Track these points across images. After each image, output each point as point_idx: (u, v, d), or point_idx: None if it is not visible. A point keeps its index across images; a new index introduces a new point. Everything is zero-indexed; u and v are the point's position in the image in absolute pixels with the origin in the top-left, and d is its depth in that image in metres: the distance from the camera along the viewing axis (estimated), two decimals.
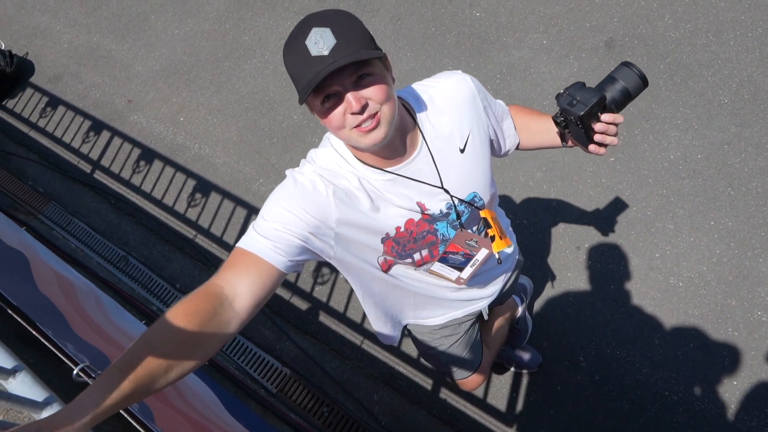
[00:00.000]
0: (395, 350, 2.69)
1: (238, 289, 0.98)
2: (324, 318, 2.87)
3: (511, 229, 1.58)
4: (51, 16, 4.88)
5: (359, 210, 1.12)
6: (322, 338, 2.82)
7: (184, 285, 3.21)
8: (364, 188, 1.13)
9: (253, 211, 3.33)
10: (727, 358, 2.32)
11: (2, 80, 4.33)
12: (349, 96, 0.97)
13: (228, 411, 1.88)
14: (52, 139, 4.09)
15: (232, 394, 2.40)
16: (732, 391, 2.25)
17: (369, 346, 2.74)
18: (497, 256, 1.35)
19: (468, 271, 1.33)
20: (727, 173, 2.68)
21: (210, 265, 3.23)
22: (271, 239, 1.04)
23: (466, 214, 1.25)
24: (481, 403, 2.45)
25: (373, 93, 0.99)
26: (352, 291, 2.88)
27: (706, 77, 2.97)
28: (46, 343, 1.33)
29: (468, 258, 1.30)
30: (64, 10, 4.88)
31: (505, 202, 2.88)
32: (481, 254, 1.31)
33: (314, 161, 1.15)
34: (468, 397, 2.48)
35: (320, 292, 2.96)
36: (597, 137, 1.16)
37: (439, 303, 1.49)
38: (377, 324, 1.54)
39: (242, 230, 3.29)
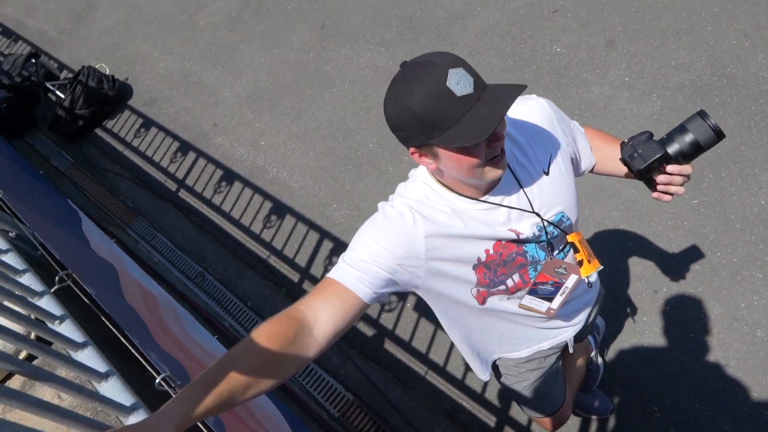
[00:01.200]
0: (459, 383, 2.65)
1: (319, 315, 1.02)
2: (389, 346, 2.88)
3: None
4: (150, 45, 5.25)
5: (449, 236, 1.13)
6: (386, 366, 2.82)
7: (255, 303, 3.31)
8: (457, 215, 1.14)
9: (325, 236, 3.41)
10: None
11: (105, 103, 4.68)
12: (499, 128, 1.00)
13: (292, 430, 1.92)
14: (143, 158, 4.37)
15: (295, 414, 2.44)
16: None
17: (433, 377, 2.72)
18: (586, 280, 1.33)
19: (558, 300, 1.32)
20: None
21: (281, 285, 3.32)
22: (358, 269, 1.07)
23: (554, 235, 1.25)
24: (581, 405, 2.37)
25: (505, 123, 1.03)
26: (418, 320, 2.88)
27: None
28: (133, 351, 1.42)
29: (557, 286, 1.29)
30: (163, 39, 5.24)
31: None
32: (571, 281, 1.30)
33: (404, 195, 1.17)
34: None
35: (387, 319, 2.97)
36: (660, 187, 1.14)
37: (526, 335, 1.47)
38: (467, 356, 1.56)
39: (314, 253, 3.37)
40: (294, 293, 3.27)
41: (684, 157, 1.11)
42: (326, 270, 3.27)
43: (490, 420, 2.51)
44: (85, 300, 1.66)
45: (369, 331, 2.97)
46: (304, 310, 1.02)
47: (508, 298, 1.28)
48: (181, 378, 1.46)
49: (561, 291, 1.30)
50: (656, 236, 2.72)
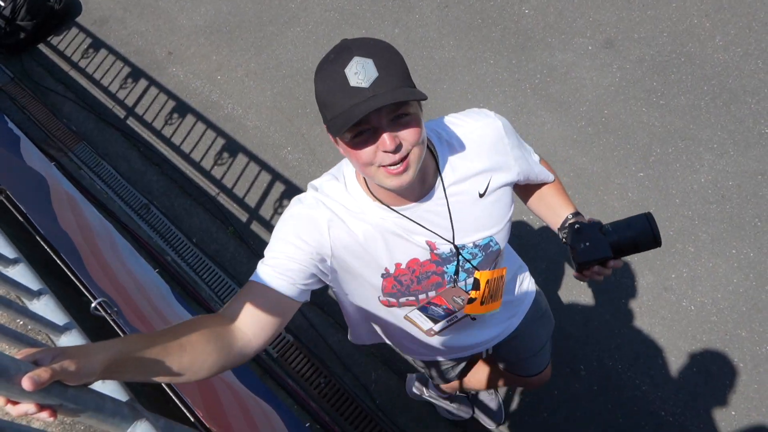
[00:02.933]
0: None
1: (241, 317, 1.02)
2: (332, 291, 2.89)
3: (527, 281, 1.55)
4: None
5: (357, 242, 1.11)
6: (329, 310, 2.85)
7: (200, 240, 3.26)
8: (369, 226, 1.11)
9: (277, 177, 3.36)
10: (729, 387, 2.31)
11: (50, 16, 4.38)
12: (386, 136, 0.93)
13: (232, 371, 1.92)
14: (90, 81, 4.15)
15: None
16: (728, 420, 2.25)
17: None
18: (471, 315, 1.32)
19: (441, 324, 1.31)
20: (757, 204, 2.65)
21: (228, 224, 3.27)
22: (272, 266, 1.07)
23: (480, 258, 1.20)
24: (474, 398, 2.46)
25: (408, 135, 0.95)
26: None
27: (749, 104, 2.92)
28: (69, 275, 1.37)
29: (448, 313, 1.28)
30: None
31: None
32: (461, 314, 1.29)
33: (318, 189, 1.14)
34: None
35: None
36: (588, 273, 1.17)
37: (427, 348, 1.48)
38: (356, 332, 1.57)
39: (264, 194, 3.32)
40: (242, 232, 3.23)
41: (619, 252, 1.13)
42: (276, 212, 3.24)
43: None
44: (20, 218, 1.59)
45: None
46: (224, 314, 1.02)
47: (410, 309, 1.27)
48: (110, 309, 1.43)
49: (449, 318, 1.29)
50: (601, 204, 2.80)
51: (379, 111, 0.91)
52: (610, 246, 1.12)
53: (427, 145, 1.11)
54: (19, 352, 0.70)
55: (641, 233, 1.12)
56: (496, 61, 3.46)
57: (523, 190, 1.39)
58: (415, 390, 2.36)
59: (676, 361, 2.39)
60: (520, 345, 1.65)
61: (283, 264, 1.07)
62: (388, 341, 1.60)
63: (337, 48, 0.94)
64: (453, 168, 1.14)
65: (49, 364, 0.69)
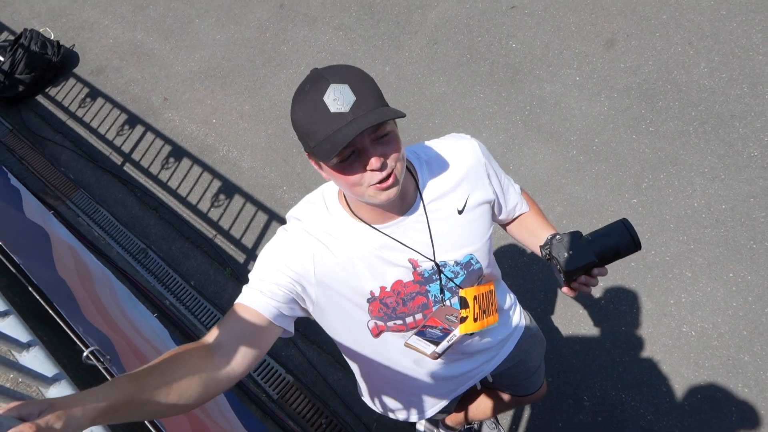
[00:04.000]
0: None
1: (222, 339, 1.03)
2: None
3: (513, 308, 1.54)
4: (100, 12, 5.04)
5: (342, 268, 1.13)
6: (328, 349, 2.83)
7: (198, 282, 3.26)
8: (352, 246, 1.13)
9: (273, 217, 3.38)
10: (735, 413, 2.27)
11: (48, 69, 4.47)
12: (373, 158, 0.97)
13: (232, 410, 1.90)
14: (88, 129, 4.21)
15: (233, 395, 2.42)
16: None
17: None
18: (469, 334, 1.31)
19: (444, 345, 1.31)
20: (751, 226, 2.65)
21: (225, 265, 3.27)
22: (257, 289, 1.10)
23: (462, 276, 1.22)
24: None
25: (391, 152, 0.99)
26: None
27: (737, 128, 2.95)
28: (61, 323, 1.37)
29: (446, 333, 1.28)
30: (113, 6, 5.05)
31: None
32: (458, 332, 1.29)
33: (300, 218, 1.16)
34: (467, 425, 2.46)
35: None
36: (575, 285, 1.18)
37: (423, 386, 1.46)
38: (358, 383, 1.58)
39: (261, 235, 3.34)
40: (239, 274, 3.23)
41: (602, 260, 1.15)
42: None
43: None
44: (11, 269, 1.60)
45: None
46: (206, 339, 1.04)
47: (402, 336, 1.27)
48: (110, 353, 1.43)
49: (449, 338, 1.29)
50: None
51: (362, 133, 0.94)
52: (592, 253, 1.13)
53: (408, 167, 1.16)
54: (3, 408, 0.70)
55: (620, 240, 1.14)
56: (486, 94, 3.51)
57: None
58: (425, 430, 2.33)
59: (680, 389, 2.36)
60: (515, 370, 1.65)
61: (267, 287, 1.09)
62: (384, 392, 1.57)
63: (311, 78, 0.98)
64: (432, 186, 1.18)
65: (35, 419, 0.69)
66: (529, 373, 1.71)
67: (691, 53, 3.28)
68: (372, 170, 0.98)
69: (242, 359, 1.03)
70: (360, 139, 0.96)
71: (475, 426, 2.37)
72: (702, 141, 2.96)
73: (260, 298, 1.08)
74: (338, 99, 0.93)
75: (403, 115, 0.97)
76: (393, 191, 1.02)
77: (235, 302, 1.11)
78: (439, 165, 1.20)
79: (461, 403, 1.95)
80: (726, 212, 2.72)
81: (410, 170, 1.17)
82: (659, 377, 2.40)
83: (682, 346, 2.44)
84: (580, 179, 3.01)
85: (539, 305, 2.66)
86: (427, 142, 1.25)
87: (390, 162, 0.99)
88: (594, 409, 2.39)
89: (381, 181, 0.99)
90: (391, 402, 1.57)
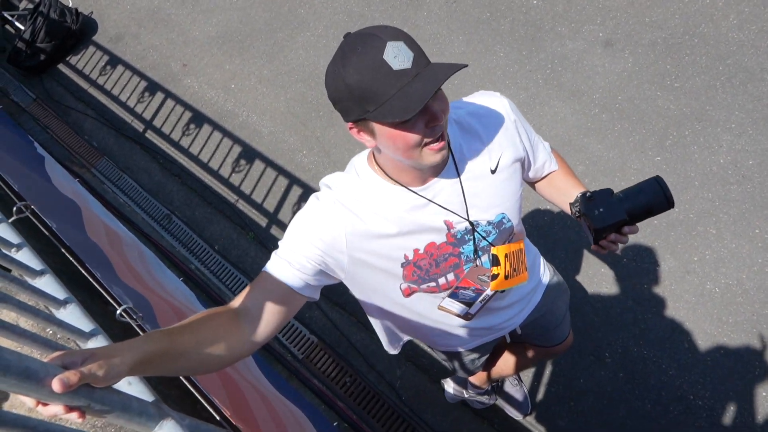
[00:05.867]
0: None
1: (249, 305, 1.07)
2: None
3: (536, 260, 1.55)
4: None
5: (375, 235, 1.13)
6: (350, 310, 2.88)
7: (222, 247, 3.31)
8: (387, 212, 1.13)
9: (294, 181, 3.40)
10: (759, 368, 2.28)
11: (68, 37, 4.50)
12: (434, 110, 0.95)
13: (258, 367, 1.96)
14: (109, 97, 4.24)
15: (260, 355, 2.49)
16: (760, 402, 2.22)
17: None
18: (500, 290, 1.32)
19: (477, 306, 1.32)
20: None
21: (248, 229, 3.32)
22: (285, 259, 1.11)
23: (494, 235, 1.22)
24: (500, 390, 2.47)
25: (445, 106, 0.99)
26: None
27: (767, 81, 2.87)
28: (94, 283, 1.42)
29: (479, 293, 1.29)
30: None
31: None
32: (491, 291, 1.30)
33: (332, 187, 1.16)
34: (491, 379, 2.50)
35: None
36: (604, 242, 1.17)
37: (447, 335, 1.48)
38: (379, 333, 1.59)
39: (282, 199, 3.37)
40: (261, 238, 3.27)
41: (633, 218, 1.13)
42: (294, 215, 3.27)
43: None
44: (46, 232, 1.65)
45: None
46: (233, 303, 1.07)
47: (434, 297, 1.28)
48: (144, 310, 1.47)
49: (481, 298, 1.30)
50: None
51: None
52: (624, 210, 1.12)
53: None
54: (48, 356, 0.74)
55: (653, 197, 1.12)
56: (507, 53, 3.45)
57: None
58: (454, 393, 2.38)
59: (703, 345, 2.37)
60: (543, 320, 1.66)
61: (296, 259, 1.10)
62: (415, 338, 1.62)
63: (359, 39, 0.94)
64: (464, 146, 1.16)
65: (78, 367, 0.72)
66: (557, 322, 1.73)
67: (720, 5, 3.18)
68: (431, 126, 0.97)
69: (267, 325, 1.06)
70: None
71: (498, 384, 2.41)
72: (729, 96, 2.89)
73: (288, 269, 1.10)
74: (398, 56, 0.91)
75: (466, 65, 0.95)
76: (445, 152, 1.02)
77: (263, 269, 1.12)
78: (470, 125, 1.18)
79: (487, 361, 1.98)
80: (753, 168, 2.67)
81: None
82: (682, 334, 2.40)
83: (705, 303, 2.44)
84: (603, 137, 2.97)
85: (560, 264, 2.66)
86: (455, 102, 1.23)
87: (444, 117, 0.98)
88: (616, 365, 2.41)
89: (436, 141, 0.99)
90: (416, 338, 1.61)
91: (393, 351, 1.66)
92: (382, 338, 1.61)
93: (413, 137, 0.97)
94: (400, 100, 0.91)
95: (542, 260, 1.60)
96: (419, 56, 0.93)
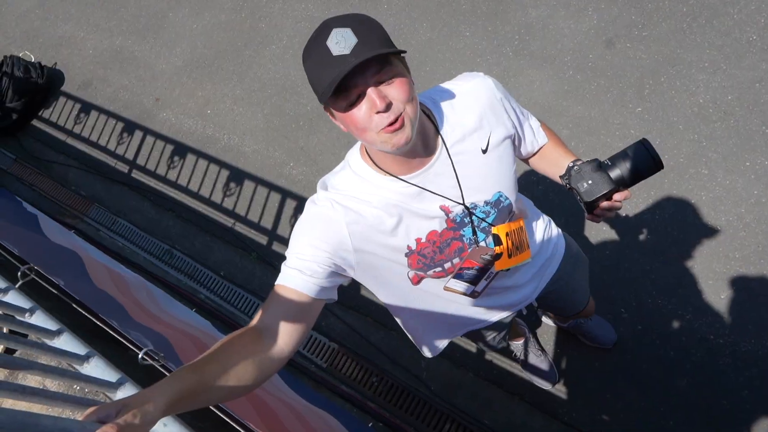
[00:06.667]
0: None
1: (267, 322, 1.06)
2: (365, 292, 2.94)
3: (548, 230, 1.55)
4: (74, 25, 5.00)
5: (376, 229, 1.14)
6: (365, 311, 2.90)
7: (227, 272, 3.32)
8: (383, 205, 1.14)
9: (287, 195, 3.41)
10: None
11: (36, 92, 4.48)
12: (373, 94, 0.96)
13: (285, 383, 1.97)
14: (88, 144, 4.24)
15: (285, 370, 2.50)
16: None
17: None
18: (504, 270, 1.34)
19: (483, 283, 1.33)
20: (760, 111, 2.62)
21: (250, 250, 3.33)
22: (295, 268, 1.11)
23: (493, 215, 1.23)
24: (525, 364, 2.49)
25: (396, 92, 0.98)
26: None
27: (732, 15, 2.89)
28: (111, 332, 1.43)
29: (483, 272, 1.30)
30: (86, 16, 5.00)
31: None
32: (495, 270, 1.30)
33: (328, 187, 1.17)
34: (513, 356, 2.52)
35: None
36: (598, 211, 1.18)
37: (461, 316, 1.48)
38: (417, 342, 1.61)
39: (278, 214, 3.38)
40: (265, 256, 3.28)
41: (623, 184, 1.14)
42: (292, 227, 3.29)
43: (471, 346, 2.62)
44: (54, 291, 1.66)
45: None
46: (252, 323, 1.07)
47: (442, 281, 1.29)
48: (166, 350, 1.49)
49: (486, 275, 1.31)
50: (606, 147, 2.80)
51: (364, 73, 0.95)
52: (611, 179, 1.14)
53: (424, 111, 1.15)
54: (83, 414, 0.75)
55: (641, 161, 1.13)
56: (473, 32, 3.46)
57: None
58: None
59: (714, 285, 2.39)
60: (559, 292, 1.67)
61: (307, 266, 1.10)
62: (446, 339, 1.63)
63: (318, 28, 0.99)
64: (452, 128, 1.17)
65: (113, 419, 0.74)
66: (573, 293, 1.74)
67: None
68: (378, 112, 0.98)
69: (290, 337, 1.07)
70: (362, 79, 0.96)
71: (520, 355, 2.43)
72: (698, 35, 2.91)
73: (300, 277, 1.10)
74: (340, 42, 0.93)
75: (401, 51, 0.97)
76: (403, 135, 1.01)
77: (276, 283, 1.13)
78: (456, 106, 1.19)
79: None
80: (733, 102, 2.69)
81: (428, 115, 1.16)
82: (692, 277, 2.43)
83: (710, 243, 2.46)
84: (582, 98, 2.98)
85: (561, 229, 2.67)
86: (439, 85, 1.24)
87: (396, 103, 0.98)
88: (633, 319, 2.43)
89: (390, 125, 0.99)
90: (440, 335, 1.61)
91: (428, 352, 1.67)
92: (414, 341, 1.63)
93: (358, 122, 0.99)
94: (330, 83, 0.94)
95: (558, 230, 1.61)
96: (367, 43, 0.94)
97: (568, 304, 1.78)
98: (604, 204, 1.17)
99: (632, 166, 1.13)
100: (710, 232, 2.48)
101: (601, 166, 1.15)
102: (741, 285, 2.35)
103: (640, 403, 2.28)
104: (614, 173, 1.14)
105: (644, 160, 1.13)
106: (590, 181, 1.14)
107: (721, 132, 2.64)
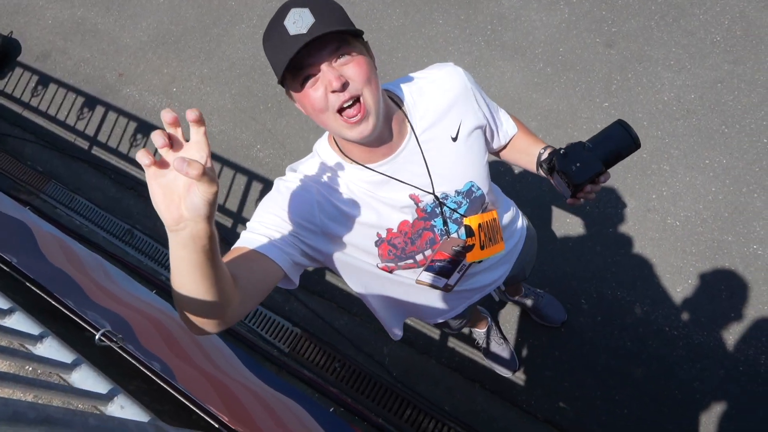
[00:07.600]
0: None
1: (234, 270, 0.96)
2: (330, 277, 2.93)
3: (516, 217, 1.57)
4: None
5: (345, 215, 1.12)
6: (329, 296, 2.88)
7: None
8: (352, 192, 1.12)
9: (253, 177, 3.35)
10: (725, 291, 2.38)
11: None
12: (328, 72, 0.95)
13: (248, 368, 1.95)
14: (46, 118, 4.08)
15: (246, 354, 2.48)
16: (730, 323, 2.33)
17: None
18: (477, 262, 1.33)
19: (455, 276, 1.32)
20: (721, 111, 2.70)
21: None
22: (260, 233, 1.05)
23: (465, 205, 1.22)
24: (487, 352, 2.52)
25: (353, 71, 0.96)
26: None
27: (697, 15, 2.95)
28: (67, 312, 1.38)
29: (455, 264, 1.29)
30: None
31: None
32: (467, 262, 1.29)
33: (297, 170, 1.15)
34: (475, 344, 2.55)
35: None
36: (581, 194, 1.19)
37: (434, 305, 1.48)
38: (385, 323, 1.58)
39: (244, 196, 3.32)
40: (228, 239, 3.23)
41: (606, 165, 1.15)
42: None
43: (434, 333, 2.64)
44: (6, 269, 1.59)
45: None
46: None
47: (414, 272, 1.28)
48: (125, 331, 1.44)
49: (459, 268, 1.30)
50: (573, 140, 2.81)
51: (320, 52, 0.94)
52: (600, 160, 1.15)
53: (392, 98, 1.14)
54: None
55: (620, 140, 1.14)
56: (445, 19, 3.45)
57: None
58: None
59: (672, 278, 2.46)
60: (518, 266, 1.70)
61: (272, 234, 1.06)
62: (408, 315, 1.62)
63: (278, 9, 0.97)
64: (422, 116, 1.15)
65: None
66: (527, 265, 1.79)
67: None
68: (334, 91, 0.95)
69: (246, 300, 0.96)
70: (318, 57, 0.94)
71: (482, 343, 2.46)
72: (665, 34, 2.96)
73: (269, 244, 1.04)
74: (297, 21, 0.92)
75: (358, 32, 0.96)
76: (366, 127, 0.99)
77: (238, 245, 1.05)
78: (426, 94, 1.17)
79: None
80: (695, 101, 2.75)
81: (397, 103, 1.14)
82: (651, 270, 2.49)
83: (668, 238, 2.53)
84: (550, 91, 3.01)
85: (533, 222, 2.71)
86: (411, 74, 1.22)
87: (354, 84, 0.96)
88: (593, 310, 2.48)
89: (349, 109, 0.97)
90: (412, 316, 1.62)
91: (398, 333, 1.64)
92: (384, 324, 1.61)
93: (314, 102, 0.98)
94: (283, 60, 0.93)
95: (521, 215, 1.63)
96: (324, 22, 0.93)
97: (520, 273, 1.80)
98: (587, 187, 1.18)
99: (613, 147, 1.14)
100: (669, 227, 2.54)
101: (585, 148, 1.16)
102: (696, 279, 2.43)
103: (597, 392, 2.34)
104: (598, 155, 1.15)
105: (624, 140, 1.14)
106: (578, 164, 1.14)
107: (683, 129, 2.71)
